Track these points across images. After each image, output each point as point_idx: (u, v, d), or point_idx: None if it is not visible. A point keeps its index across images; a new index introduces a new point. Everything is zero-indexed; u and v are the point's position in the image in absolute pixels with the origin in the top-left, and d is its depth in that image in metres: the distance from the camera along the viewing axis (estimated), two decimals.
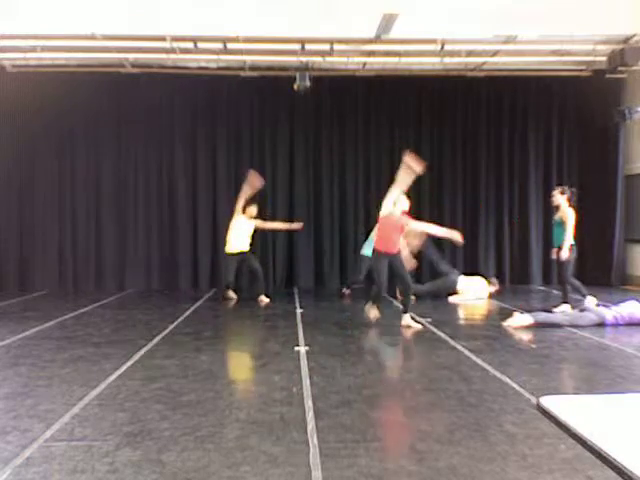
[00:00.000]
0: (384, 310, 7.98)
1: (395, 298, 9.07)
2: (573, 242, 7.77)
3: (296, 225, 9.78)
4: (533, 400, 3.96)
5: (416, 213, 11.08)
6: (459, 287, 9.29)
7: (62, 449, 3.23)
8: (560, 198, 7.88)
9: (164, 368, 4.97)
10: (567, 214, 7.73)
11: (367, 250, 9.02)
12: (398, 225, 6.74)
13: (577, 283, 8.00)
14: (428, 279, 10.09)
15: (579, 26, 8.34)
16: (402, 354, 5.71)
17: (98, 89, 10.32)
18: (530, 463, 3.07)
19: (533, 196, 11.16)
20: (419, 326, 6.66)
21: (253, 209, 9.25)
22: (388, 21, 7.84)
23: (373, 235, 8.89)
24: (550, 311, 7.33)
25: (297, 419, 3.70)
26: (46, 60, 9.75)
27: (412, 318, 6.80)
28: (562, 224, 7.74)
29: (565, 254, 7.62)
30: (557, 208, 7.94)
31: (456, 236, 7.07)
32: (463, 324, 7.19)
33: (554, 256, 7.94)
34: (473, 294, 9.23)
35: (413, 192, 11.04)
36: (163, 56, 9.57)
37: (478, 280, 9.55)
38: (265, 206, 10.87)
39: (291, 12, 7.91)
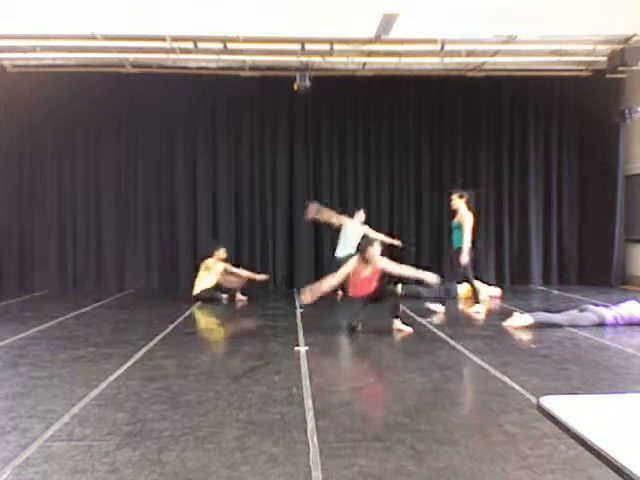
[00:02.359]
0: (383, 310, 7.99)
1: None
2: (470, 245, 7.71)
3: (260, 276, 9.46)
4: (533, 400, 3.96)
5: (416, 213, 11.24)
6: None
7: (62, 449, 3.23)
8: (458, 202, 7.84)
9: (164, 368, 4.97)
10: (465, 218, 7.68)
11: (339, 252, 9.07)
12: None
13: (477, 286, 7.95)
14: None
15: (579, 26, 8.34)
16: (402, 354, 5.71)
17: (98, 89, 10.33)
18: (530, 463, 3.07)
19: (533, 196, 11.16)
20: (410, 329, 6.53)
21: (222, 252, 9.26)
22: (388, 21, 7.84)
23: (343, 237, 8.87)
24: (550, 311, 7.32)
25: (297, 419, 3.70)
26: (46, 60, 9.75)
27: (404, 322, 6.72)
28: (461, 227, 7.69)
29: (465, 258, 7.59)
30: (455, 212, 7.87)
31: (431, 278, 6.66)
32: (463, 324, 7.19)
33: (457, 257, 7.77)
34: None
35: (413, 192, 11.18)
36: (163, 56, 9.57)
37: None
38: (265, 206, 10.91)
39: (291, 12, 7.91)
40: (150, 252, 10.71)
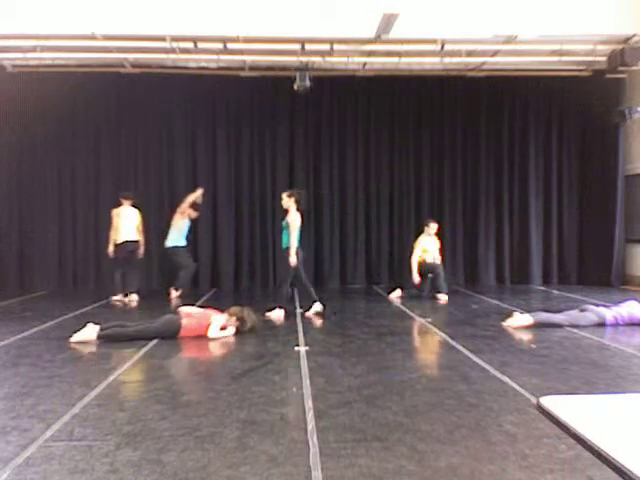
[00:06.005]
0: (383, 309, 7.98)
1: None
2: (298, 245, 7.62)
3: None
4: (533, 400, 3.96)
5: (416, 213, 11.24)
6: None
7: (62, 449, 3.23)
8: (288, 201, 7.74)
9: (164, 368, 4.97)
10: (293, 217, 7.60)
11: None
12: None
13: (310, 288, 7.77)
14: None
15: (579, 26, 8.35)
16: (402, 354, 5.70)
17: (98, 89, 10.33)
18: (530, 463, 3.07)
19: (533, 196, 11.16)
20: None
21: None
22: (388, 21, 7.84)
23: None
24: (550, 311, 7.32)
25: (297, 419, 3.70)
26: (46, 60, 9.74)
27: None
28: (289, 227, 7.59)
29: (293, 260, 7.48)
30: (286, 212, 7.78)
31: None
32: (463, 324, 7.18)
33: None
34: None
35: (413, 191, 11.18)
36: (163, 56, 9.56)
37: None
38: (265, 206, 10.91)
39: (291, 12, 7.92)
40: (150, 252, 10.68)
